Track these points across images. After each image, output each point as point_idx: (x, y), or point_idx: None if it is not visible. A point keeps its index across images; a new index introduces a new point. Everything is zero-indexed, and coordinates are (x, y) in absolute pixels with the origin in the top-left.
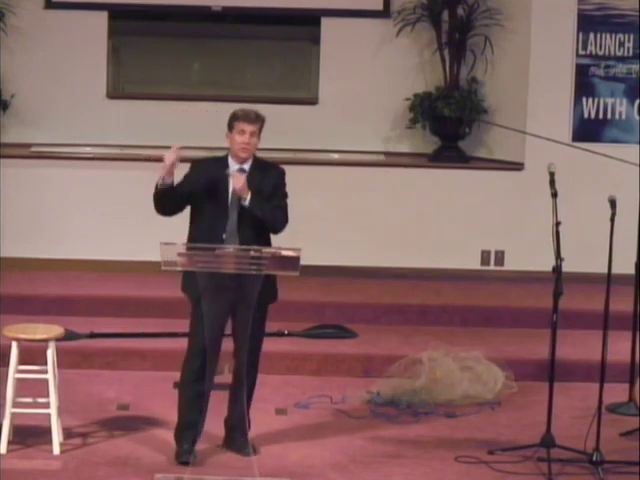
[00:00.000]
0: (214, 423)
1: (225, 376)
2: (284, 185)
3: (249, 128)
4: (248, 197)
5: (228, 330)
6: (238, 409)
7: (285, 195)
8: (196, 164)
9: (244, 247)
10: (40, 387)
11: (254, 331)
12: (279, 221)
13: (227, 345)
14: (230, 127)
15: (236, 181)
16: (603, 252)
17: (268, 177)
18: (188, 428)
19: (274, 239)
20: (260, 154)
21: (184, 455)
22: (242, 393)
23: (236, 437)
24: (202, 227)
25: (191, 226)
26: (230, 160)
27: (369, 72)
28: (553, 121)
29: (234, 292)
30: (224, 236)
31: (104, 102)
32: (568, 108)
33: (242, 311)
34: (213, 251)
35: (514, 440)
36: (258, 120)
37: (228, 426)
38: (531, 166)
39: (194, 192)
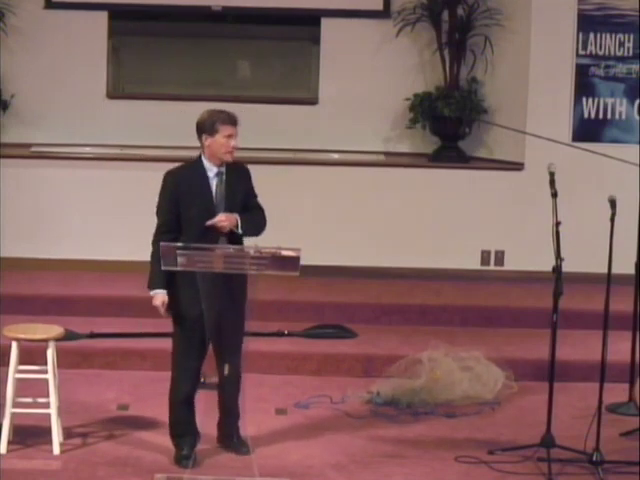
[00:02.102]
0: (214, 423)
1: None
2: (252, 183)
3: (235, 131)
4: (239, 224)
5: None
6: (232, 409)
7: (256, 194)
8: (170, 177)
9: (245, 247)
10: (40, 387)
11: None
12: (264, 225)
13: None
14: (212, 131)
15: (220, 224)
16: (603, 252)
17: (241, 178)
18: (185, 434)
19: (274, 239)
20: (261, 154)
21: (183, 461)
22: (236, 393)
23: (232, 437)
24: (193, 234)
25: (182, 236)
26: (206, 163)
27: (369, 72)
28: (553, 121)
29: (220, 300)
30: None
31: (104, 102)
32: (568, 108)
33: (231, 322)
34: (213, 251)
35: (514, 440)
36: (238, 122)
37: (221, 427)
38: (531, 166)
39: (180, 207)
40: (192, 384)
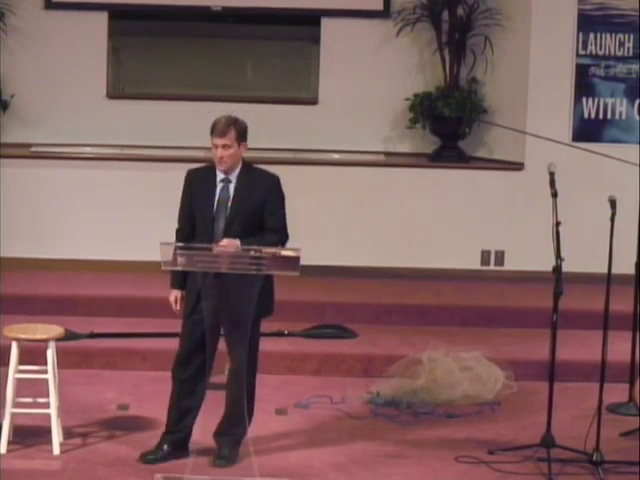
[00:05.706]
0: (215, 422)
1: (224, 376)
2: (279, 196)
3: (220, 142)
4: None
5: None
6: (231, 410)
7: (281, 207)
8: (190, 174)
9: (244, 247)
10: (40, 387)
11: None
12: (275, 245)
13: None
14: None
15: (221, 249)
16: (603, 252)
17: (258, 188)
18: (167, 430)
19: None
20: (260, 154)
21: (147, 455)
22: (236, 395)
23: (221, 437)
24: (198, 237)
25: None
26: (217, 169)
27: (369, 72)
28: (553, 121)
29: (218, 300)
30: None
31: (104, 102)
32: (568, 108)
33: (228, 321)
34: (213, 251)
35: (514, 440)
36: (228, 130)
37: (220, 424)
38: (531, 166)
39: (192, 207)
40: (180, 384)
